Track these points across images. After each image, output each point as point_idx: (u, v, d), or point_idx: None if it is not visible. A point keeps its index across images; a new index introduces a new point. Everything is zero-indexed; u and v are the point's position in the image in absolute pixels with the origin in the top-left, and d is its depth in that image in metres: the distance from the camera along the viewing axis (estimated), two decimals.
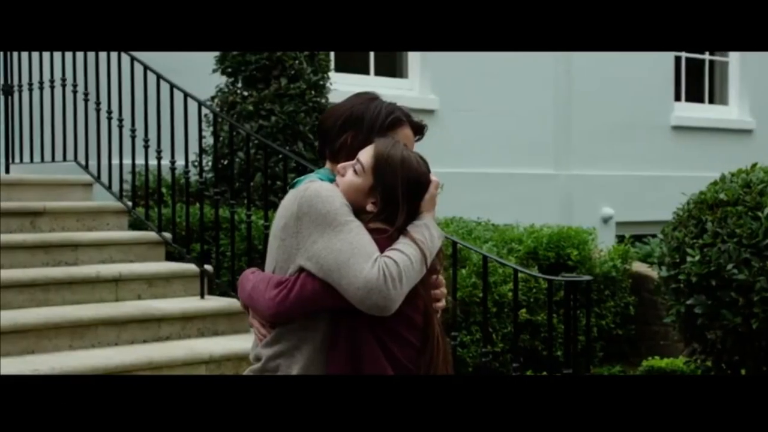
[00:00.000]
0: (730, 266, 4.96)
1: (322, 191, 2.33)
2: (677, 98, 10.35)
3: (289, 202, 2.38)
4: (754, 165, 5.46)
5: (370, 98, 2.51)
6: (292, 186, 2.47)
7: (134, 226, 5.89)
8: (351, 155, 2.43)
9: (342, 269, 2.25)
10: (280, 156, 5.57)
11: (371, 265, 2.24)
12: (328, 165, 2.52)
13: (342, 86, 7.18)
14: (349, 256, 2.25)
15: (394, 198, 2.39)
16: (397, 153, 2.42)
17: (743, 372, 5.27)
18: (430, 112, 8.36)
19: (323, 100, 6.46)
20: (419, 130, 2.53)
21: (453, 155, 8.07)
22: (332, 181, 2.44)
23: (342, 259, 2.25)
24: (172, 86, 5.55)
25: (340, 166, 2.46)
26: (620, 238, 6.91)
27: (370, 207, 2.40)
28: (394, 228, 2.38)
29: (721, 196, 5.22)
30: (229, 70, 6.31)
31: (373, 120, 2.44)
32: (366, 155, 2.43)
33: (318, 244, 2.29)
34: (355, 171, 2.41)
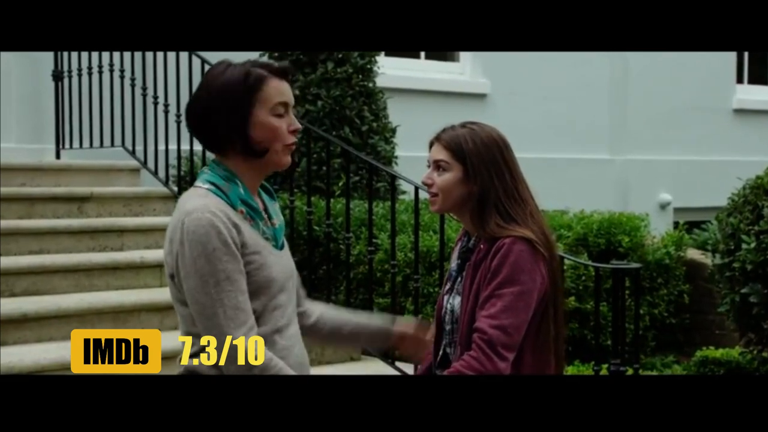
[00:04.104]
0: None
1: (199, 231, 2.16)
2: (739, 80, 10.07)
3: (176, 220, 2.22)
4: None
5: (225, 67, 2.22)
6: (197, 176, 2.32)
7: None
8: (232, 138, 2.22)
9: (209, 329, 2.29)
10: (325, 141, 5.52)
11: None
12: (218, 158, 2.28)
13: (390, 70, 7.11)
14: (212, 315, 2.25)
15: (479, 164, 2.48)
16: (459, 128, 2.53)
17: None
18: (482, 96, 8.24)
19: (370, 84, 6.40)
20: (285, 73, 2.25)
21: None
22: (228, 178, 2.24)
23: (207, 313, 2.27)
24: None
25: (425, 179, 2.52)
26: (677, 225, 6.73)
27: (476, 188, 2.47)
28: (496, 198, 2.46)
29: None
30: (276, 54, 6.27)
31: (235, 88, 2.17)
32: (435, 151, 2.53)
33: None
34: (441, 168, 2.50)
